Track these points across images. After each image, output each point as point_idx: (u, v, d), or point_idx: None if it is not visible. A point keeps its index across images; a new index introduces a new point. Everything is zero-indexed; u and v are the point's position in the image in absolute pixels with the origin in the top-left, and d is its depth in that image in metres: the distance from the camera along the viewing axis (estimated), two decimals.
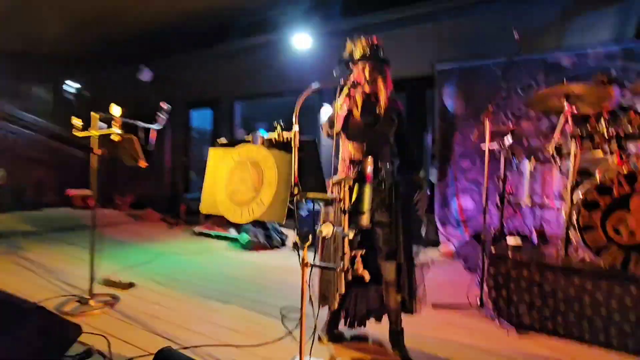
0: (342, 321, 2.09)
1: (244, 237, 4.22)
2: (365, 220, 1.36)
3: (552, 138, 2.38)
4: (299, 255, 1.53)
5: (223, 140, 1.73)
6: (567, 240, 2.24)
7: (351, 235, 1.31)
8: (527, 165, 2.84)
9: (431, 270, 3.52)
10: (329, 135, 1.92)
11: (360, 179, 1.38)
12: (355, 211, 1.36)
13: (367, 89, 1.88)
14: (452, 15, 4.04)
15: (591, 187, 2.09)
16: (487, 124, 2.69)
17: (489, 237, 2.83)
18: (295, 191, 1.44)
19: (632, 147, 2.22)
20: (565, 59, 3.52)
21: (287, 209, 1.46)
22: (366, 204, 1.36)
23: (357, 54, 1.92)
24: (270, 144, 1.54)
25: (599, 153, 2.20)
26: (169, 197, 6.44)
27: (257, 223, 4.52)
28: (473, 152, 4.02)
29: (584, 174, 2.33)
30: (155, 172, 6.31)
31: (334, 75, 2.09)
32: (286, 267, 3.62)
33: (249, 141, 1.61)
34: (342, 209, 1.36)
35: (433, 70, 4.21)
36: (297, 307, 2.52)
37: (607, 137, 2.14)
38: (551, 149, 2.34)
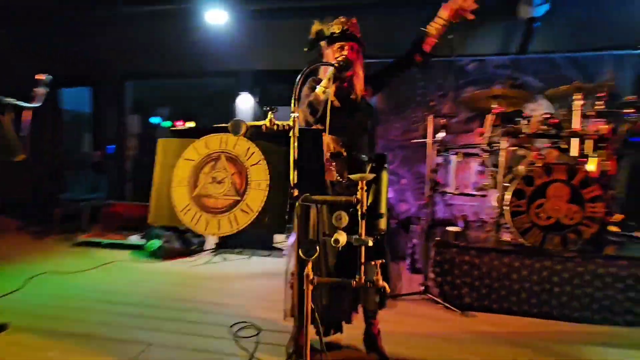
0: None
1: (154, 244, 3.54)
2: (383, 223, 1.20)
3: (484, 134, 2.63)
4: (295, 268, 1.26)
5: (181, 126, 1.29)
6: (498, 225, 2.53)
7: (370, 242, 1.13)
8: (454, 159, 3.11)
9: None
10: (308, 124, 1.66)
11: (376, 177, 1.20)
12: (372, 214, 1.18)
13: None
14: (375, 11, 4.12)
15: (519, 178, 2.39)
16: (431, 119, 2.82)
17: (425, 225, 3.01)
18: (296, 193, 1.17)
19: (539, 144, 2.64)
20: (470, 64, 3.99)
21: (285, 216, 1.18)
22: (384, 205, 1.19)
23: (337, 30, 1.70)
24: (257, 134, 1.21)
25: (520, 150, 2.53)
26: (31, 199, 4.97)
27: (169, 226, 3.86)
28: (395, 146, 4.25)
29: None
30: (9, 167, 4.76)
31: (309, 53, 1.84)
32: (216, 274, 3.18)
33: (222, 129, 1.24)
34: (361, 212, 1.16)
35: None
36: (250, 321, 2.22)
37: (527, 135, 2.47)
38: (484, 144, 2.59)
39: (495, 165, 2.57)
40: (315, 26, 1.77)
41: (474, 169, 3.32)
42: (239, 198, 1.20)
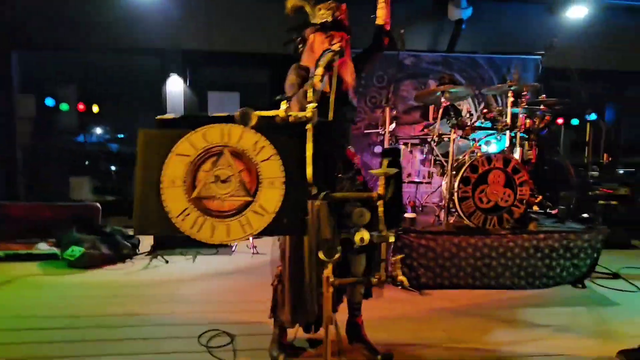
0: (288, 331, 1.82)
1: (74, 251, 2.98)
2: (399, 219, 1.18)
3: (435, 126, 2.83)
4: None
5: (169, 115, 1.08)
6: (448, 209, 2.77)
7: (392, 238, 1.11)
8: (402, 148, 3.30)
9: None
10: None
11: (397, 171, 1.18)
12: (392, 209, 1.15)
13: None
14: None
15: (466, 166, 2.64)
16: (387, 110, 2.90)
17: None
18: (314, 191, 1.09)
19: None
20: (407, 58, 4.23)
21: (304, 216, 1.08)
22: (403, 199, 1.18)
23: (322, 19, 1.60)
24: (267, 126, 1.08)
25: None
26: None
27: (91, 228, 3.30)
28: None
29: (446, 156, 2.92)
30: None
31: (294, 39, 1.71)
32: (160, 280, 2.82)
33: (228, 120, 1.07)
34: (383, 208, 1.13)
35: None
36: (217, 327, 2.03)
37: (470, 128, 2.73)
38: (435, 135, 2.79)
39: (444, 155, 2.80)
40: (293, 1, 1.64)
41: (417, 158, 3.58)
42: (250, 199, 1.06)
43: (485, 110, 2.75)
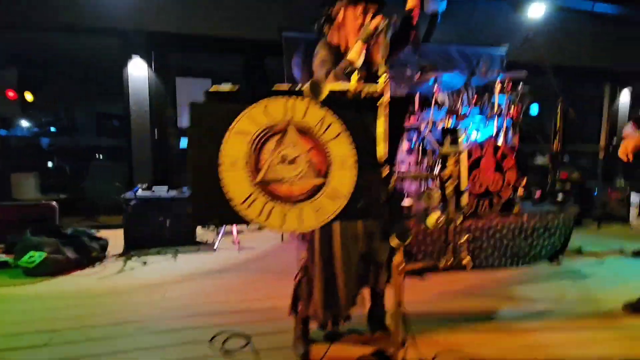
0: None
1: (34, 257, 2.57)
2: (465, 199, 1.14)
3: (430, 116, 2.86)
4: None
5: (224, 86, 0.93)
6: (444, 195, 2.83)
7: (460, 220, 1.07)
8: None
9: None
10: None
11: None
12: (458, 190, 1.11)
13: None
14: None
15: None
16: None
17: None
18: (386, 171, 1.01)
19: None
20: None
21: (379, 199, 1.00)
22: (465, 181, 1.13)
23: None
24: (332, 100, 0.97)
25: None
26: None
27: (50, 231, 2.88)
28: None
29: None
30: None
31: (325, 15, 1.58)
32: (144, 282, 2.53)
33: (294, 92, 0.95)
34: (453, 188, 1.08)
35: (280, 37, 3.96)
36: (228, 329, 1.86)
37: (463, 115, 2.81)
38: (429, 124, 2.82)
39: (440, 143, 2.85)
40: None
41: (404, 146, 3.61)
42: (322, 180, 0.95)
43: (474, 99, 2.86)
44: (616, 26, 5.02)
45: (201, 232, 3.82)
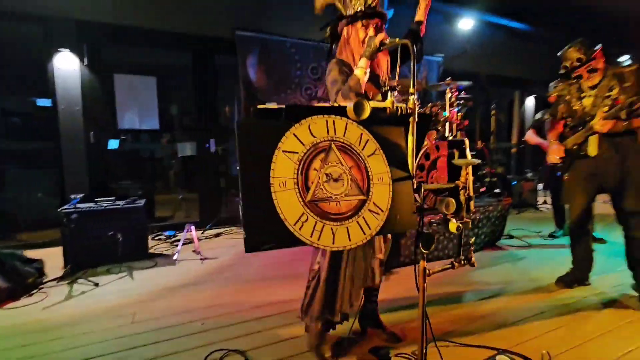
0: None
1: None
2: (472, 205, 1.26)
3: None
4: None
5: (271, 104, 0.90)
6: None
7: (470, 224, 1.19)
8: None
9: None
10: None
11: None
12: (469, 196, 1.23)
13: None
14: None
15: (421, 154, 2.94)
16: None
17: None
18: (416, 184, 1.09)
19: None
20: None
21: (413, 211, 1.07)
22: (472, 188, 1.26)
23: (355, 9, 1.55)
24: (372, 118, 1.01)
25: None
26: None
27: None
28: None
29: None
30: None
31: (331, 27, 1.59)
32: (98, 308, 2.25)
33: (333, 109, 0.96)
34: (466, 196, 1.19)
35: (233, 35, 3.81)
36: (222, 349, 1.77)
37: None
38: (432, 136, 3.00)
39: None
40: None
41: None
42: (364, 197, 0.99)
43: (430, 104, 3.12)
44: (526, 41, 5.88)
45: (153, 244, 3.53)
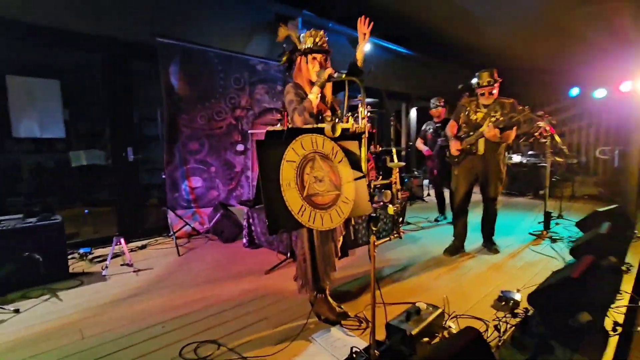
0: None
1: None
2: (398, 195, 1.76)
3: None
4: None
5: (277, 127, 1.23)
6: None
7: (396, 209, 1.70)
8: None
9: (201, 252, 3.60)
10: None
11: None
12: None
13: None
14: None
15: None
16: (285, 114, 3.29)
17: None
18: (371, 177, 1.54)
19: None
20: (259, 64, 4.65)
21: (369, 200, 1.51)
22: (399, 183, 1.76)
23: (306, 45, 1.93)
24: (341, 135, 1.42)
25: None
26: None
27: None
28: (202, 135, 4.23)
29: None
30: None
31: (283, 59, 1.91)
32: (27, 337, 2.09)
33: (315, 129, 1.34)
34: (395, 189, 1.68)
35: (154, 41, 3.75)
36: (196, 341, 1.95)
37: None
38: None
39: None
40: (283, 31, 1.90)
41: None
42: (339, 192, 1.39)
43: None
44: (409, 62, 7.12)
45: (72, 263, 3.24)
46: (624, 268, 2.77)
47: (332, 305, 2.12)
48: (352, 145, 1.49)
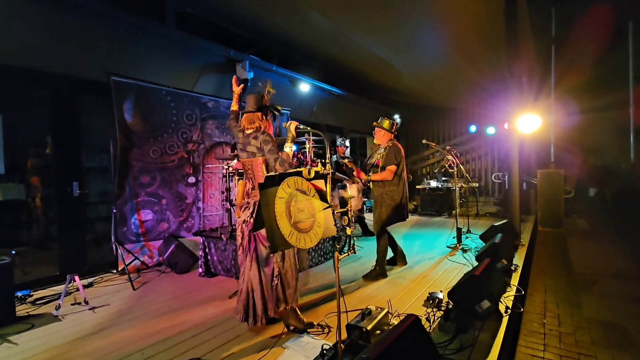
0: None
1: None
2: (353, 218, 2.25)
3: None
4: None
5: (273, 174, 1.65)
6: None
7: (354, 230, 2.20)
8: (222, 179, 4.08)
9: (157, 284, 3.67)
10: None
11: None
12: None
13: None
14: (129, 32, 3.95)
15: None
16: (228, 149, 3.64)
17: (226, 234, 3.77)
18: (332, 209, 2.03)
19: None
20: (209, 102, 4.95)
21: (335, 224, 1.99)
22: (356, 209, 2.26)
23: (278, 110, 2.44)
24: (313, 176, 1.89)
25: None
26: None
27: None
28: (154, 169, 4.32)
29: None
30: None
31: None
32: None
33: (296, 173, 1.79)
34: (351, 214, 2.18)
35: (109, 79, 3.85)
36: None
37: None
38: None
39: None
40: (267, 87, 2.38)
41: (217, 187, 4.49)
42: (314, 219, 1.84)
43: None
44: (342, 100, 8.02)
45: (19, 308, 3.06)
46: (512, 268, 3.66)
47: (300, 316, 2.50)
48: (320, 183, 1.97)
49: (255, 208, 2.35)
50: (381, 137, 3.76)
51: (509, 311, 2.73)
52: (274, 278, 2.38)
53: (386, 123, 3.76)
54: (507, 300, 2.90)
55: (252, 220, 2.36)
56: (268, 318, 2.44)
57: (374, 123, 3.80)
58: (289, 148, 2.35)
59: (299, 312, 2.52)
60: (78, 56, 3.73)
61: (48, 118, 3.77)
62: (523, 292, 3.22)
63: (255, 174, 2.43)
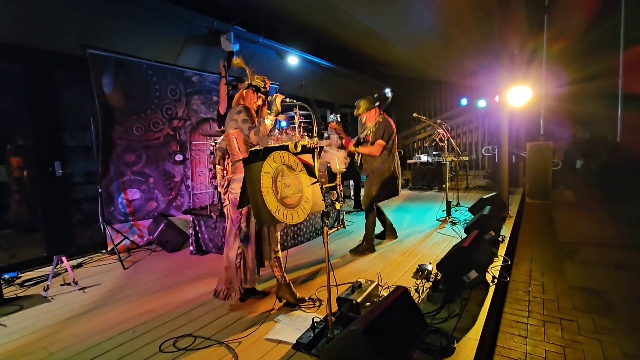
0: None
1: None
2: (341, 195, 2.23)
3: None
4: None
5: (258, 147, 1.60)
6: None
7: (344, 204, 2.18)
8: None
9: (147, 263, 3.66)
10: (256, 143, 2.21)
11: None
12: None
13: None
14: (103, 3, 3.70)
15: None
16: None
17: (216, 212, 3.73)
18: (323, 181, 1.99)
19: None
20: (194, 76, 4.76)
21: (322, 198, 1.96)
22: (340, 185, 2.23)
23: (256, 83, 2.33)
24: (301, 150, 1.84)
25: None
26: None
27: None
28: (139, 147, 4.19)
29: None
30: None
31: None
32: None
33: (280, 148, 1.74)
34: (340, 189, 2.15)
35: (84, 52, 3.65)
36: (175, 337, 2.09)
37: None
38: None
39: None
40: (238, 61, 2.24)
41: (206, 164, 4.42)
42: (301, 194, 1.81)
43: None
44: (332, 74, 7.82)
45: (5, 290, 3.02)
46: (500, 239, 3.72)
47: (294, 290, 2.51)
48: (308, 158, 1.92)
49: (229, 184, 2.34)
50: (370, 117, 3.69)
51: (496, 280, 2.80)
52: (237, 256, 2.38)
53: (363, 103, 3.66)
54: (494, 270, 2.97)
55: (227, 196, 2.36)
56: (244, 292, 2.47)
57: (355, 113, 3.69)
58: (270, 121, 2.28)
59: (292, 287, 2.53)
60: (50, 26, 3.51)
61: (23, 95, 3.59)
62: (510, 262, 3.30)
63: (232, 149, 2.36)
